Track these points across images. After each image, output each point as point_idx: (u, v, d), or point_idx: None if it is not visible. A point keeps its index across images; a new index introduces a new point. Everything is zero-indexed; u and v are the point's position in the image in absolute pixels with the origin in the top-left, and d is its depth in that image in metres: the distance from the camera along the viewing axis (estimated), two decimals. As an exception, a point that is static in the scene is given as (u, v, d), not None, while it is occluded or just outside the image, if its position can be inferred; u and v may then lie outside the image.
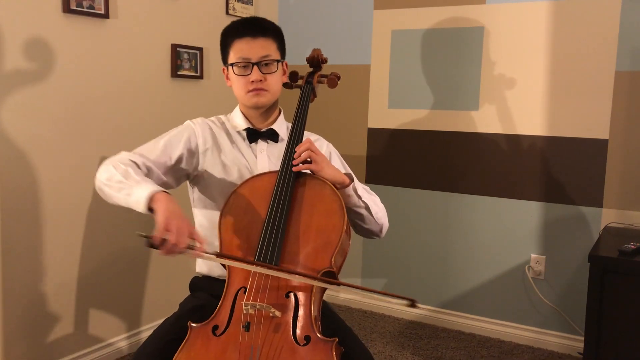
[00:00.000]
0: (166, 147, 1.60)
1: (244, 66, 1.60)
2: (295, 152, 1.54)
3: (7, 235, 2.22)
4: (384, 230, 1.71)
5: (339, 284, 1.44)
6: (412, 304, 1.36)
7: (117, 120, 2.58)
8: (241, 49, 1.59)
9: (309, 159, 1.52)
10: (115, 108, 2.57)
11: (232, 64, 1.61)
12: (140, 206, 1.36)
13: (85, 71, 2.43)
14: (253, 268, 1.41)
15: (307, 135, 1.69)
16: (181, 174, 1.65)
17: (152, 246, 1.29)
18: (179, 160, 1.61)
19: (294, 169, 1.52)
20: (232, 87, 1.67)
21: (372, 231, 1.68)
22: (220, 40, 1.67)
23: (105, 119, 2.54)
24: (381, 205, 1.69)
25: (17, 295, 2.27)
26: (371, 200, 1.64)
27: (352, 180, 1.58)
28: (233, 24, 1.65)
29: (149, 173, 1.54)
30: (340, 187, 1.54)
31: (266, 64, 1.60)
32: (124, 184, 1.42)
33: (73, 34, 2.37)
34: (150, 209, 1.35)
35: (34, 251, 2.32)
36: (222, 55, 1.67)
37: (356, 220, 1.65)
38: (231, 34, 1.63)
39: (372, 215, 1.63)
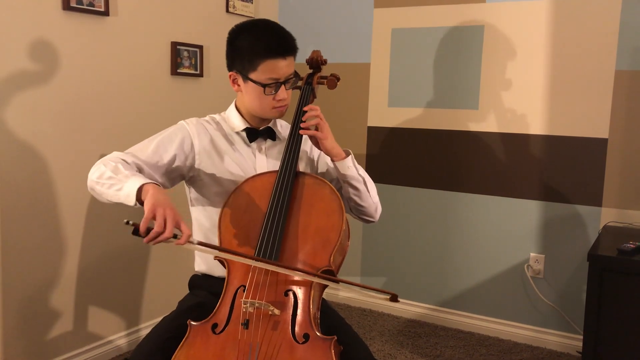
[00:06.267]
0: (158, 147, 1.58)
1: (272, 86, 1.57)
2: (305, 112, 1.58)
3: (7, 233, 2.22)
4: (379, 211, 1.73)
5: (335, 281, 1.44)
6: (393, 298, 1.40)
7: (116, 117, 2.58)
8: (272, 70, 1.54)
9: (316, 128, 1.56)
10: (115, 106, 2.57)
11: (263, 85, 1.55)
12: (130, 199, 1.36)
13: (85, 69, 2.43)
14: (247, 261, 1.42)
15: None
16: (175, 175, 1.63)
17: (137, 234, 1.28)
18: (172, 161, 1.60)
19: (301, 131, 1.56)
20: (242, 94, 1.64)
21: (368, 210, 1.69)
22: (234, 45, 1.59)
23: (105, 117, 2.53)
24: (374, 186, 1.71)
25: (17, 292, 2.27)
26: (367, 177, 1.68)
27: (350, 154, 1.63)
28: (256, 37, 1.55)
29: (139, 172, 1.52)
30: (338, 159, 1.59)
31: (289, 81, 1.59)
32: (114, 179, 1.41)
33: (73, 31, 2.37)
34: (141, 202, 1.35)
35: (34, 248, 2.32)
36: (241, 63, 1.58)
37: (353, 197, 1.65)
38: (261, 51, 1.53)
39: (368, 191, 1.66)
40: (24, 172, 2.26)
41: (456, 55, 3.01)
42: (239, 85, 1.63)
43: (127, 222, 1.28)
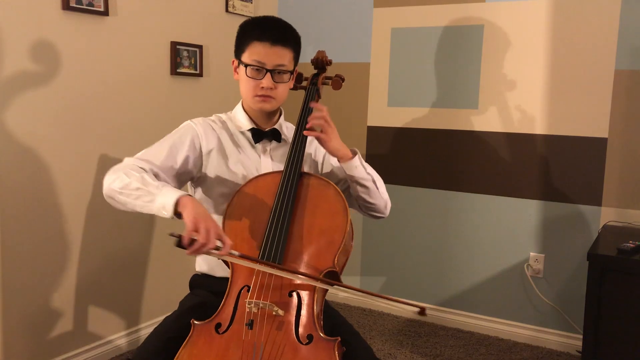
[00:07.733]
0: (171, 150, 1.58)
1: (257, 69, 1.58)
2: (310, 111, 1.59)
3: (7, 233, 2.22)
4: (389, 207, 1.72)
5: (347, 287, 1.44)
6: (422, 311, 1.43)
7: (116, 117, 2.57)
8: (258, 53, 1.57)
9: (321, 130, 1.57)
10: (115, 106, 2.57)
11: (245, 65, 1.59)
12: (167, 212, 1.36)
13: (84, 69, 2.42)
14: (253, 265, 1.42)
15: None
16: (185, 178, 1.63)
17: (181, 246, 1.31)
18: (184, 163, 1.59)
19: (305, 132, 1.56)
20: (239, 82, 1.66)
21: (378, 207, 1.69)
22: (237, 31, 1.63)
23: (105, 117, 2.53)
24: (382, 182, 1.71)
25: (17, 292, 2.27)
26: (375, 174, 1.67)
27: (357, 153, 1.63)
28: (256, 22, 1.62)
29: (157, 179, 1.51)
30: (345, 160, 1.59)
31: (279, 73, 1.59)
32: (143, 190, 1.40)
33: (72, 31, 2.36)
34: (177, 214, 1.36)
35: (34, 249, 2.31)
36: (237, 48, 1.64)
37: (363, 196, 1.65)
38: (251, 33, 1.59)
39: (377, 189, 1.66)
40: (23, 172, 2.25)
41: (456, 54, 3.02)
42: (237, 74, 1.65)
43: (172, 234, 1.31)
